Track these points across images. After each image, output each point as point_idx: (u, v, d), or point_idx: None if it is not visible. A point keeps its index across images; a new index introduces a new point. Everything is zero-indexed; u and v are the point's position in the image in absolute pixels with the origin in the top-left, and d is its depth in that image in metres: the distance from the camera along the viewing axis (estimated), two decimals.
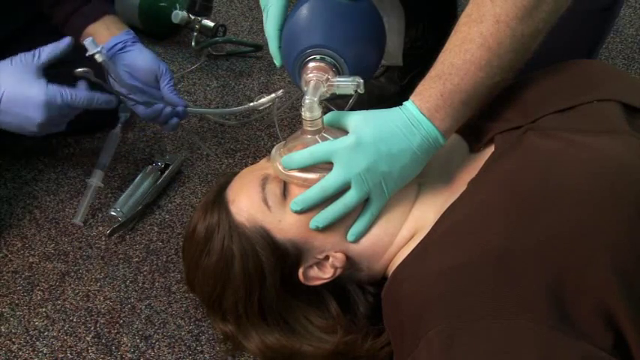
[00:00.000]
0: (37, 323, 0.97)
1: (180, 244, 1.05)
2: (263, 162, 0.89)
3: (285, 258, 0.83)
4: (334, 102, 1.18)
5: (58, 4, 1.07)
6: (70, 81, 0.99)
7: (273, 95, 1.16)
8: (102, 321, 0.97)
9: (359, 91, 0.81)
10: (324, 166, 0.80)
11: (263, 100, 1.17)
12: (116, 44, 1.06)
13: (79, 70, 0.97)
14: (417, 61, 1.27)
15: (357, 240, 0.84)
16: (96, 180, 1.12)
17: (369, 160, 0.78)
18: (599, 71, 0.91)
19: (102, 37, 1.06)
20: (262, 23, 0.92)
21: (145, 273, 1.04)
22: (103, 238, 1.09)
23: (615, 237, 0.68)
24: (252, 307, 0.85)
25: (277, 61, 0.91)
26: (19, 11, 1.08)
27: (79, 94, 0.97)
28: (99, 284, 1.02)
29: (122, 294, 1.01)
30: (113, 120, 1.29)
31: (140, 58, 1.06)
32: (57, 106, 0.96)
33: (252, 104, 1.17)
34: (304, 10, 0.86)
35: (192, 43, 1.50)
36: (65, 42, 0.98)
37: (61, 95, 0.96)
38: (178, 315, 0.98)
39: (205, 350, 0.94)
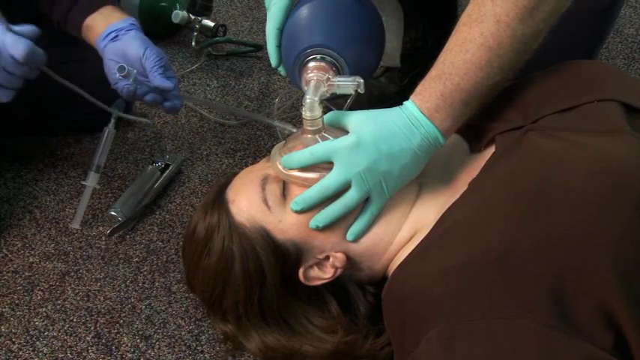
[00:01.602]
0: (37, 323, 0.97)
1: (181, 244, 1.05)
2: (263, 162, 0.89)
3: (286, 258, 0.83)
4: (334, 102, 1.18)
5: (54, 3, 1.05)
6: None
7: (276, 123, 1.10)
8: (102, 321, 0.97)
9: (359, 90, 0.81)
10: (324, 165, 0.80)
11: (258, 116, 1.12)
12: (109, 33, 1.02)
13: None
14: (417, 61, 1.27)
15: (356, 239, 0.84)
16: (90, 182, 1.08)
17: (369, 159, 0.78)
18: (600, 71, 0.91)
19: (99, 27, 1.02)
20: (262, 23, 0.92)
21: (145, 273, 1.04)
22: (103, 238, 1.09)
23: (616, 237, 0.68)
24: (252, 307, 0.85)
25: (273, 61, 0.91)
26: (17, 14, 1.06)
27: (18, 40, 0.87)
28: (99, 284, 1.02)
29: (122, 294, 1.01)
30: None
31: (130, 46, 1.00)
32: None
33: (249, 114, 1.13)
34: (305, 10, 0.86)
35: (193, 43, 1.50)
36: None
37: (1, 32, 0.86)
38: (178, 315, 0.98)
39: (205, 350, 0.94)
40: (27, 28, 0.89)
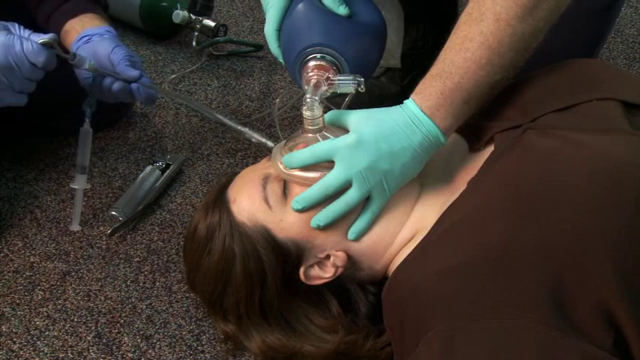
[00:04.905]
0: (38, 323, 0.97)
1: (181, 243, 1.05)
2: (264, 161, 0.89)
3: (287, 257, 0.83)
4: (333, 100, 1.18)
5: (40, 3, 1.06)
6: None
7: (268, 142, 1.09)
8: (103, 321, 0.97)
9: (360, 89, 0.81)
10: (325, 164, 0.80)
11: (254, 135, 1.10)
12: (83, 37, 1.03)
13: (45, 38, 0.91)
14: (418, 61, 1.27)
15: (358, 238, 0.84)
16: (78, 185, 1.06)
17: (370, 158, 0.78)
18: (599, 70, 0.91)
19: (75, 32, 1.04)
20: (263, 23, 0.92)
21: (145, 273, 1.04)
22: (104, 238, 1.09)
23: (615, 236, 0.68)
24: (253, 307, 0.85)
25: (282, 60, 0.91)
26: (12, 18, 1.06)
27: (41, 49, 0.90)
28: (100, 284, 1.02)
29: (123, 294, 1.01)
30: (114, 119, 1.29)
31: (99, 46, 1.02)
32: (14, 52, 0.89)
33: (240, 127, 1.12)
34: (303, 9, 0.86)
35: (193, 43, 1.50)
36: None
37: (20, 42, 0.89)
38: (179, 315, 0.98)
39: (206, 350, 0.93)
40: (48, 36, 0.93)
